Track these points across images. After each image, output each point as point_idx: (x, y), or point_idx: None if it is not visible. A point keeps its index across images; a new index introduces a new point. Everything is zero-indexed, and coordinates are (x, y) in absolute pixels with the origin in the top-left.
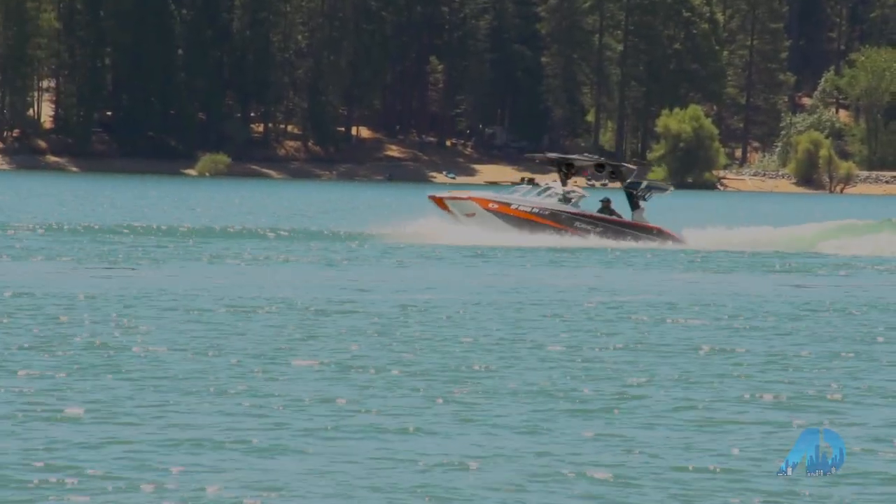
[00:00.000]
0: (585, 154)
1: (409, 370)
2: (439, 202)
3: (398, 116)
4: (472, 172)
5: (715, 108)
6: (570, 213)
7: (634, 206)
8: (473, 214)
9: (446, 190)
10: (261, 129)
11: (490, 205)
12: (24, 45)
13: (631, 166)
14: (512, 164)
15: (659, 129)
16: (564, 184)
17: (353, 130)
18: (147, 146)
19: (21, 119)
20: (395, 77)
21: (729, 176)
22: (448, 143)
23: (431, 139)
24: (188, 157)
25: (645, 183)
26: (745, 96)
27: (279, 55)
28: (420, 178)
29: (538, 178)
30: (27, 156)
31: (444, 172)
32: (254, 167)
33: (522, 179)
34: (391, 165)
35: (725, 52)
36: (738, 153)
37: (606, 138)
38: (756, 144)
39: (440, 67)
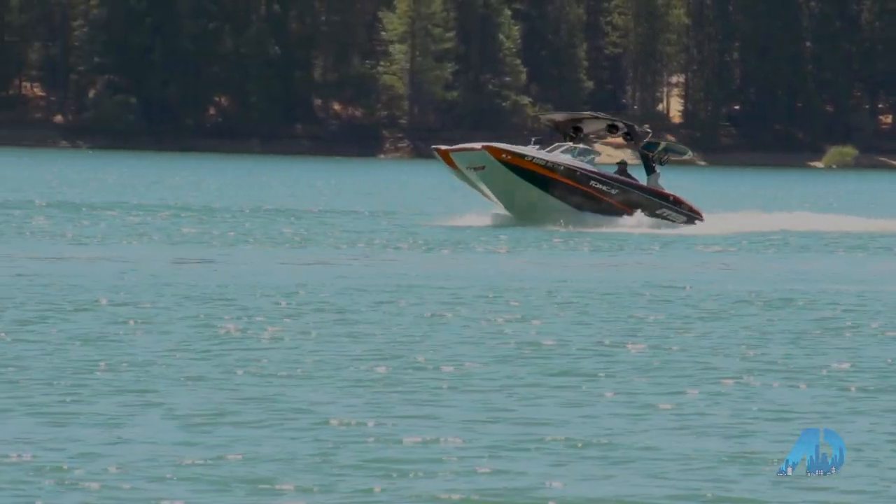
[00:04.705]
0: (599, 112)
1: None
2: (444, 155)
3: None
4: None
5: None
6: (586, 171)
7: (650, 170)
8: (483, 168)
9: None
10: (889, 120)
11: (503, 155)
12: (655, 42)
13: (646, 128)
14: None
15: None
16: None
17: None
18: (773, 139)
19: (650, 114)
20: None
21: None
22: None
23: None
24: (815, 149)
25: (663, 144)
26: None
27: None
28: None
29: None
30: None
31: None
32: (881, 159)
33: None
34: None
35: None
36: None
37: None
38: None
39: None
